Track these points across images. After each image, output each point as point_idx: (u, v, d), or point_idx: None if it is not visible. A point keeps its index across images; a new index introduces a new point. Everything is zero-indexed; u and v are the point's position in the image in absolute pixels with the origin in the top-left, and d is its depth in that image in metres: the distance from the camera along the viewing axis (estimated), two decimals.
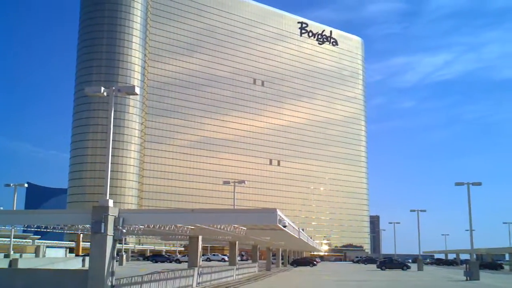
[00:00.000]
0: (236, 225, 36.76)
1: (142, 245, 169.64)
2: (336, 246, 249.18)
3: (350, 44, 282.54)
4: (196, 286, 37.62)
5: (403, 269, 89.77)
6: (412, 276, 66.10)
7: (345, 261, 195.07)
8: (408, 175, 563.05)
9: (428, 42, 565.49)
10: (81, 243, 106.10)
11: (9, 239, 78.17)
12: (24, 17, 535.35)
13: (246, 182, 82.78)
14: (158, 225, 32.07)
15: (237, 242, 55.64)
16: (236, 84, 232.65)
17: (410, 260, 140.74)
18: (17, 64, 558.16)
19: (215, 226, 33.51)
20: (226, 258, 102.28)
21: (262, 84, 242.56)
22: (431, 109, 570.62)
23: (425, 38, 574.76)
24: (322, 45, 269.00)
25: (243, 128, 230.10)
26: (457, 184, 60.73)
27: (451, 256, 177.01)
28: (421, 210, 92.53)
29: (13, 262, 55.52)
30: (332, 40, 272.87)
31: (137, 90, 28.22)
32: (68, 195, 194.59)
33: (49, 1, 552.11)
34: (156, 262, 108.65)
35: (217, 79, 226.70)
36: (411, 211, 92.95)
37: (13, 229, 74.51)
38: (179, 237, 52.62)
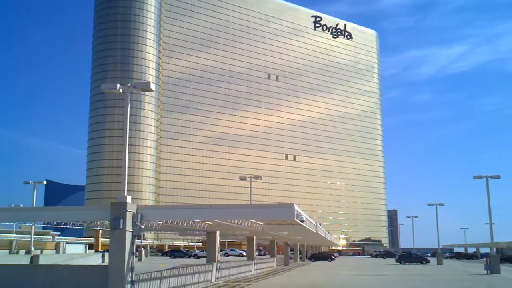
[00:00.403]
0: (253, 220, 36.73)
1: (161, 240, 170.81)
2: (354, 241, 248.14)
3: (365, 37, 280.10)
4: (215, 281, 37.72)
5: (422, 263, 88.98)
6: (431, 270, 65.51)
7: (364, 255, 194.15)
8: (425, 168, 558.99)
9: (442, 34, 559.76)
10: (100, 239, 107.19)
11: (29, 236, 79.29)
12: (38, 14, 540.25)
13: (262, 177, 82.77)
14: (176, 221, 32.16)
15: (254, 237, 55.62)
16: (251, 80, 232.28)
17: (429, 254, 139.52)
18: (37, 64, 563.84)
19: (232, 221, 33.52)
20: (244, 253, 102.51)
21: (277, 79, 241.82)
22: (447, 102, 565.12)
23: (439, 31, 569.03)
24: (337, 39, 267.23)
25: (258, 123, 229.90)
26: (476, 177, 59.96)
27: (470, 250, 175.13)
28: (439, 204, 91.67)
29: (34, 259, 56.31)
30: (346, 34, 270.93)
31: (153, 86, 28.24)
32: (86, 191, 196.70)
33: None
34: (175, 257, 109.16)
35: (232, 74, 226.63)
36: (428, 205, 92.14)
37: (33, 226, 75.48)
38: (197, 232, 52.80)
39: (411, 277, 50.95)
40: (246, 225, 37.35)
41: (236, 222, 34.28)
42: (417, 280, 47.37)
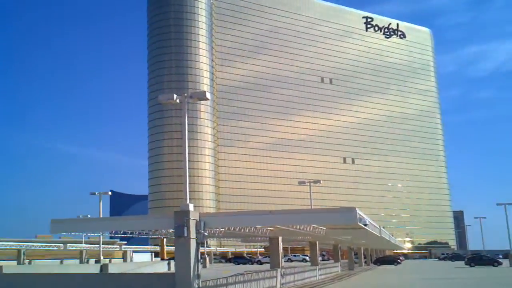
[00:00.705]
0: (315, 225, 36.24)
1: (223, 247, 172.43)
2: (419, 244, 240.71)
3: (419, 35, 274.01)
4: (280, 287, 37.44)
5: (494, 266, 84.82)
6: (504, 273, 62.23)
7: (430, 258, 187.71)
8: (492, 167, 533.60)
9: (502, 28, 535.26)
10: (165, 247, 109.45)
11: (98, 245, 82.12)
12: (92, 29, 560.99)
13: (321, 181, 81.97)
14: (238, 227, 32.24)
15: (317, 242, 54.92)
16: (304, 84, 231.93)
17: (500, 256, 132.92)
18: (95, 76, 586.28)
19: (294, 226, 33.21)
20: (307, 258, 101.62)
21: (331, 82, 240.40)
22: (511, 97, 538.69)
23: (498, 25, 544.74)
24: (390, 39, 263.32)
25: (314, 127, 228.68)
26: None
27: None
28: (508, 204, 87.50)
29: (103, 267, 58.16)
30: (399, 33, 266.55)
31: (208, 95, 28.53)
32: (149, 200, 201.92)
33: (118, 13, 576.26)
34: (238, 264, 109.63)
35: (285, 79, 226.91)
36: (497, 204, 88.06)
37: (101, 236, 78.06)
38: (259, 238, 52.82)
39: (484, 280, 48.57)
40: (308, 230, 36.91)
41: (297, 227, 33.93)
42: (491, 283, 45.08)
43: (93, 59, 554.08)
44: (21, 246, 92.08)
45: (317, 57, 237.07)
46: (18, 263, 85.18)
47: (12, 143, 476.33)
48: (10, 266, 67.28)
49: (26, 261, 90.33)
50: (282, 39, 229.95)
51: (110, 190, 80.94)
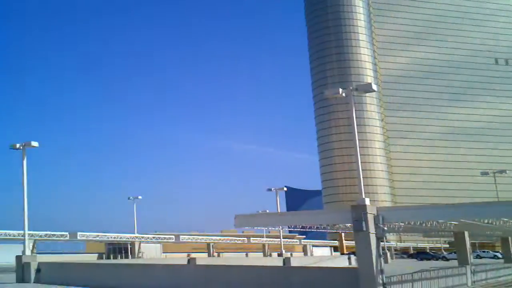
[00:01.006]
0: (505, 219, 33.15)
1: (404, 242, 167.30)
2: None
3: None
4: (471, 285, 35.10)
5: None
6: None
7: None
8: None
9: None
10: (344, 241, 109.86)
11: (279, 239, 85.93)
12: (249, 31, 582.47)
13: (507, 171, 75.18)
14: (418, 222, 31.08)
15: (510, 238, 50.13)
16: (476, 67, 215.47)
17: None
18: (259, 78, 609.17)
19: (480, 220, 30.86)
20: (499, 255, 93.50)
21: (506, 63, 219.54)
22: None
23: None
24: None
25: (494, 113, 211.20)
26: None
27: None
28: None
29: (286, 261, 60.81)
30: None
31: (374, 87, 28.13)
32: (323, 195, 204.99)
33: (276, 10, 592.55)
34: (421, 259, 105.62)
35: (455, 64, 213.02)
36: None
37: (281, 230, 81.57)
38: (443, 233, 50.16)
39: None
40: (497, 224, 33.96)
41: (485, 221, 31.43)
42: None
43: (254, 61, 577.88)
44: (210, 240, 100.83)
45: (487, 37, 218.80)
46: (208, 256, 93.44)
47: (199, 145, 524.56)
48: (203, 258, 74.29)
49: (215, 254, 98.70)
50: (447, 21, 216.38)
51: (285, 186, 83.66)
